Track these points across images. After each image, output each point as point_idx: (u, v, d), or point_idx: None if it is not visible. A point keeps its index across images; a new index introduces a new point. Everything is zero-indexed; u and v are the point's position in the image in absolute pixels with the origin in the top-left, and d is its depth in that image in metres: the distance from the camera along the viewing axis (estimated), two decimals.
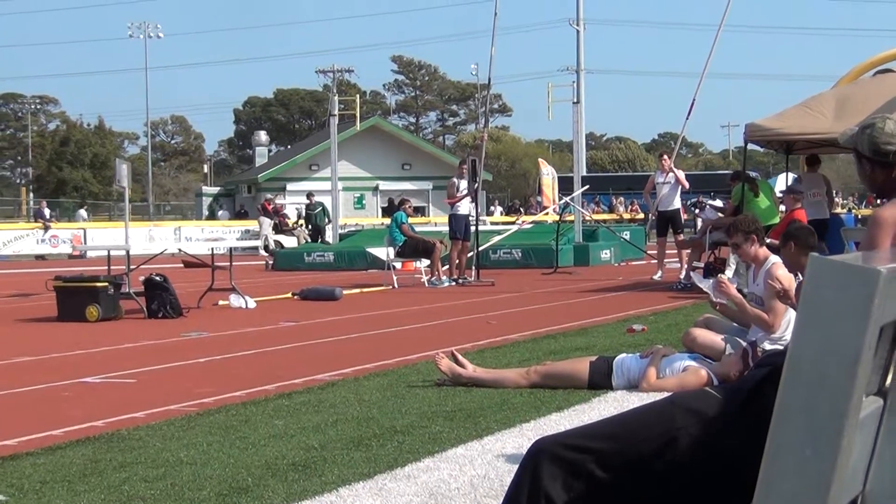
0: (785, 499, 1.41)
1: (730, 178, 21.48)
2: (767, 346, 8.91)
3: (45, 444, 6.93)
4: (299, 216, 52.44)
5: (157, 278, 16.41)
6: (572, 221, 33.51)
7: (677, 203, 23.15)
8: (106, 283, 16.01)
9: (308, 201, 43.49)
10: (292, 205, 59.24)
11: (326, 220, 41.69)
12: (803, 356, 1.41)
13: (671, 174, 22.58)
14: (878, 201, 5.25)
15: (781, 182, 33.15)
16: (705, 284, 10.15)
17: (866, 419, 1.47)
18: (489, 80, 30.73)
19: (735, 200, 19.46)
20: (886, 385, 1.55)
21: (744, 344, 8.97)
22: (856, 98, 18.33)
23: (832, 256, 1.43)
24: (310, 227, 44.09)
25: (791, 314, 9.21)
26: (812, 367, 1.40)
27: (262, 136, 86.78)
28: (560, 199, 34.64)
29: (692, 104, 27.55)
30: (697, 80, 28.13)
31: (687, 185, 23.06)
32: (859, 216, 19.83)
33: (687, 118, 28.21)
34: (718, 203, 25.17)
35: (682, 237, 23.07)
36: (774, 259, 9.52)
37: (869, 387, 1.48)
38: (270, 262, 33.84)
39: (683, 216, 26.27)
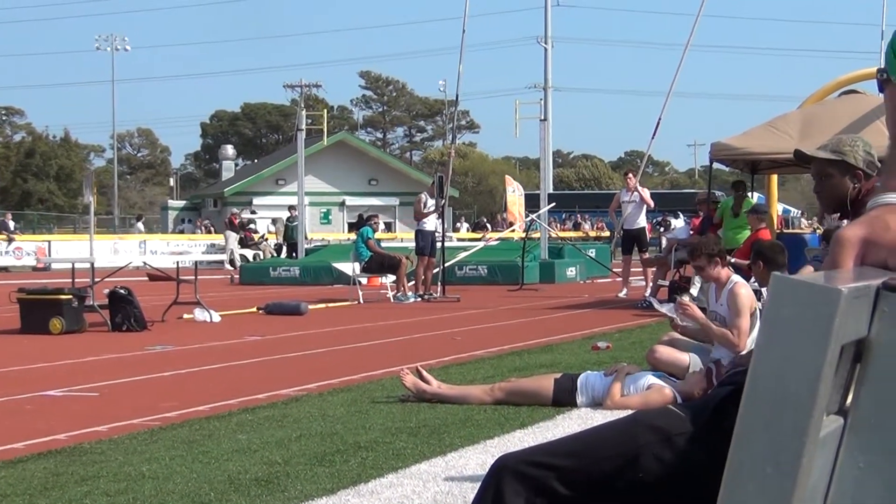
0: None
1: (696, 200, 21.67)
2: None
3: (6, 457, 6.89)
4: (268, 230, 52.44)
5: (122, 291, 16.33)
6: (538, 238, 33.54)
7: (643, 221, 23.23)
8: (70, 296, 15.93)
9: (289, 214, 43.40)
10: (261, 219, 59.11)
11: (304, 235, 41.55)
12: (764, 374, 1.42)
13: (636, 193, 22.66)
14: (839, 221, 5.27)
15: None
16: (666, 308, 10.19)
17: (827, 438, 1.48)
18: (457, 96, 30.72)
19: (721, 213, 19.70)
20: (847, 404, 1.56)
21: (708, 363, 9.02)
22: (821, 118, 18.43)
23: (794, 275, 1.43)
24: (285, 240, 44.06)
25: (756, 333, 9.26)
26: (773, 385, 1.40)
27: (229, 149, 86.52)
28: (527, 216, 34.65)
29: (657, 124, 27.62)
30: (664, 98, 28.16)
31: (652, 203, 23.16)
32: None
33: (652, 138, 28.25)
34: (681, 222, 25.36)
35: (647, 255, 23.13)
36: (737, 279, 9.57)
37: (830, 406, 1.49)
38: (236, 276, 33.77)
39: (649, 234, 26.39)
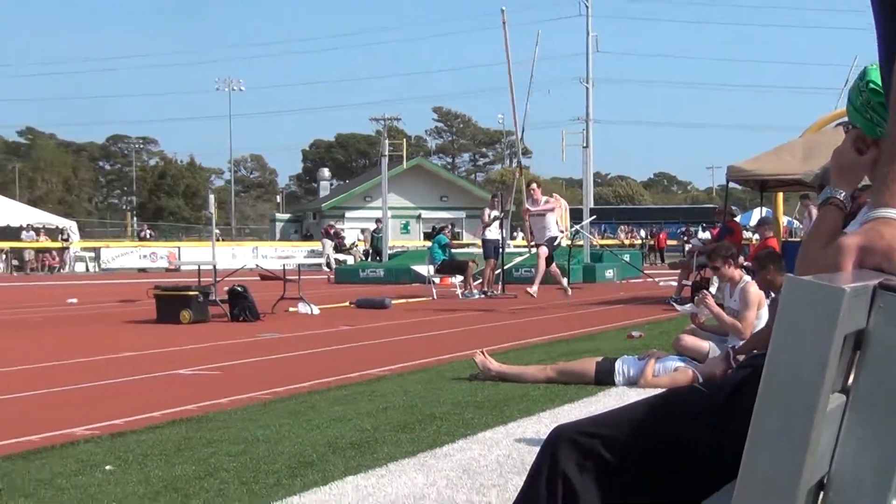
0: (765, 481, 1.42)
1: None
2: None
3: (145, 424, 6.97)
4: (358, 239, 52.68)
5: (239, 288, 16.47)
6: (582, 246, 33.45)
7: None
8: (196, 292, 16.09)
9: (376, 226, 43.66)
10: (351, 229, 59.34)
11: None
12: (780, 360, 1.43)
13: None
14: None
15: (756, 215, 32.93)
16: (688, 307, 10.18)
17: (832, 413, 1.49)
18: (519, 128, 30.69)
19: None
20: (848, 384, 1.57)
21: (728, 348, 8.96)
22: (820, 145, 18.21)
23: (804, 276, 1.44)
24: (371, 246, 44.36)
25: (760, 323, 9.22)
26: (787, 369, 1.41)
27: (326, 172, 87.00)
28: (572, 227, 34.61)
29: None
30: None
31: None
32: None
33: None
34: (707, 235, 25.32)
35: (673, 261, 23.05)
36: (748, 279, 9.51)
37: (834, 385, 1.50)
38: (331, 276, 33.93)
39: (675, 243, 26.41)
